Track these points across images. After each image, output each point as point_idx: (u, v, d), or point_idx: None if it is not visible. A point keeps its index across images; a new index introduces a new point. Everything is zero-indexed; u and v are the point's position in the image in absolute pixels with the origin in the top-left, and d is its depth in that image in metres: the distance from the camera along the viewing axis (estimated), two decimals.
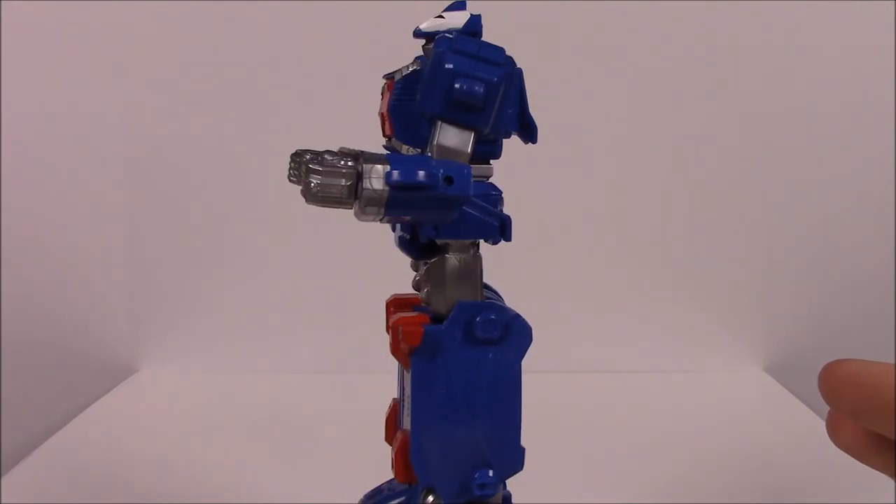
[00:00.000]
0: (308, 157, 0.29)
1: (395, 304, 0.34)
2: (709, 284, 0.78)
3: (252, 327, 0.78)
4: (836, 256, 0.78)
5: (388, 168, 0.28)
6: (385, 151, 0.30)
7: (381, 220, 0.30)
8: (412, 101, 0.32)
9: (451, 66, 0.31)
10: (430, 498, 0.33)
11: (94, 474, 0.56)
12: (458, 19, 0.33)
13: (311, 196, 0.28)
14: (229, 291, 0.78)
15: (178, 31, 0.74)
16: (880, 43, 0.74)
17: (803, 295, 0.78)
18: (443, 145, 0.31)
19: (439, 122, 0.31)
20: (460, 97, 0.31)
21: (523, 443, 0.33)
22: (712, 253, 0.78)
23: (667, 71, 0.75)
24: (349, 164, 0.28)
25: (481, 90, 0.30)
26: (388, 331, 0.33)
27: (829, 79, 0.75)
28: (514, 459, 0.33)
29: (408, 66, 0.32)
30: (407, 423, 0.33)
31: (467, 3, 0.34)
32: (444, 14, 0.34)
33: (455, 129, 0.31)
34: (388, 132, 0.33)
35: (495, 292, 0.35)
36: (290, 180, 0.32)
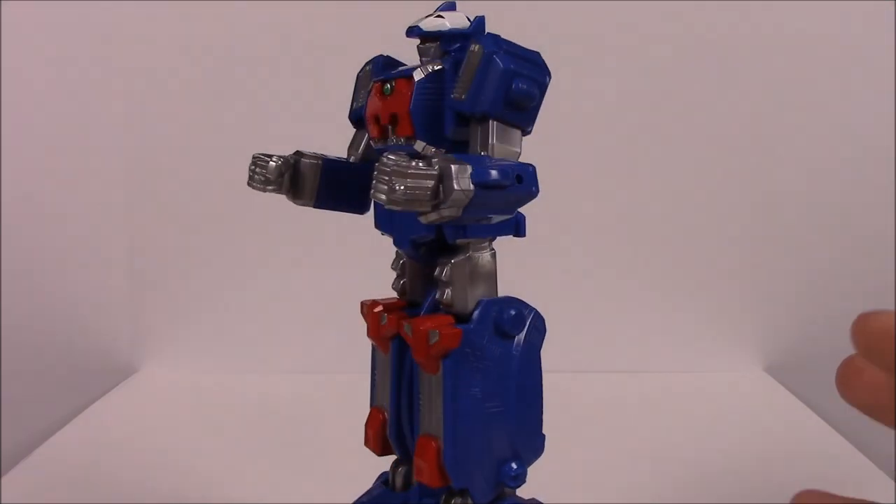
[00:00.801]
0: (391, 162, 0.29)
1: (388, 309, 0.35)
2: (709, 285, 0.78)
3: (252, 327, 0.78)
4: (837, 256, 0.78)
5: (471, 169, 0.28)
6: (401, 152, 0.31)
7: (444, 221, 0.30)
8: (436, 100, 0.32)
9: (511, 66, 0.31)
10: (458, 500, 0.33)
11: (94, 474, 0.56)
12: (458, 20, 0.34)
13: (397, 200, 0.28)
14: (229, 291, 0.78)
15: (177, 31, 0.74)
16: (880, 43, 0.74)
17: (803, 295, 0.78)
18: (499, 145, 0.31)
19: (492, 122, 0.31)
20: (517, 97, 0.31)
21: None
22: (713, 253, 0.78)
23: (670, 71, 0.75)
24: (430, 167, 0.28)
25: (536, 91, 0.32)
26: (374, 336, 0.35)
27: (829, 78, 0.75)
28: (537, 447, 0.35)
29: (428, 66, 0.32)
30: (435, 427, 0.32)
31: (468, 3, 0.34)
32: (443, 14, 0.34)
33: (506, 128, 0.32)
34: (404, 132, 0.32)
35: None
36: (254, 186, 0.37)
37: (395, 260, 0.36)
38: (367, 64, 0.36)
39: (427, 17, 0.34)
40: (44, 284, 0.76)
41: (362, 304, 0.36)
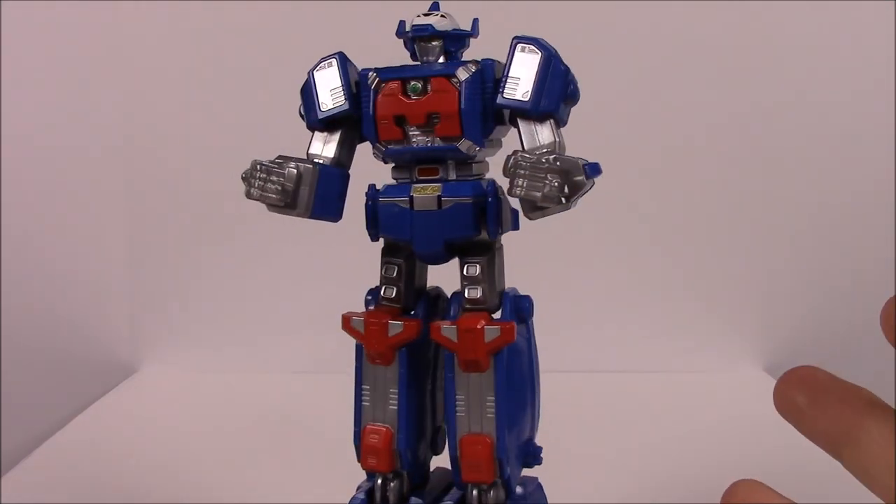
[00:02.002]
0: (544, 160, 0.30)
1: (394, 316, 0.35)
2: (709, 284, 0.78)
3: (252, 327, 0.78)
4: (837, 256, 0.78)
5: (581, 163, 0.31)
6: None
7: (548, 215, 0.32)
8: (480, 99, 0.33)
9: (565, 68, 0.33)
10: (490, 491, 0.34)
11: (94, 474, 0.56)
12: (453, 20, 0.34)
13: (552, 197, 0.30)
14: (229, 291, 0.78)
15: (177, 31, 0.74)
16: (880, 44, 0.74)
17: (803, 295, 0.78)
18: (561, 142, 0.33)
19: (552, 120, 0.33)
20: (571, 96, 0.33)
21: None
22: (712, 253, 0.78)
23: (670, 70, 0.75)
24: (572, 160, 0.30)
25: (578, 91, 0.34)
26: (377, 349, 0.34)
27: (829, 78, 0.75)
28: (538, 420, 0.37)
29: (469, 67, 0.33)
30: (485, 425, 0.33)
31: (466, 2, 0.35)
32: (446, 14, 0.34)
33: (559, 125, 0.33)
34: (449, 131, 0.33)
35: None
36: (266, 199, 0.35)
37: (388, 267, 0.35)
38: (323, 61, 0.35)
39: (426, 15, 0.34)
40: (44, 284, 0.76)
41: (349, 317, 0.35)
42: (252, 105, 0.75)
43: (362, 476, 0.38)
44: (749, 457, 0.59)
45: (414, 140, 0.33)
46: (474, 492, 0.34)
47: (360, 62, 0.36)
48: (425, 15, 0.34)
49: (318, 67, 0.35)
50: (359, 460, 0.35)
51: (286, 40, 0.74)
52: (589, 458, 0.58)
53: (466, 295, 0.34)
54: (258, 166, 0.34)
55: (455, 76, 0.33)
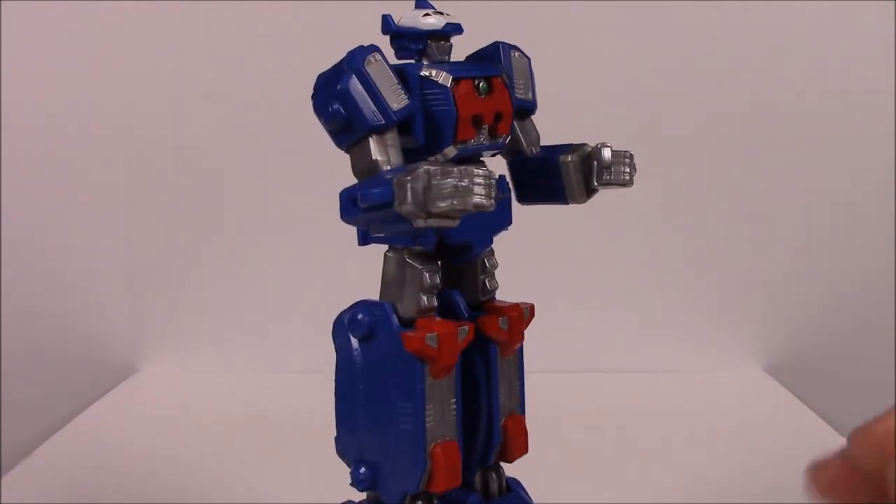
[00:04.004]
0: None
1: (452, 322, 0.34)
2: (709, 284, 0.78)
3: (252, 327, 0.78)
4: (837, 256, 0.77)
5: None
6: None
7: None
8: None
9: None
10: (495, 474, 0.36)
11: (94, 474, 0.56)
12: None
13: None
14: (229, 291, 0.78)
15: (177, 31, 0.74)
16: (880, 44, 0.74)
17: (803, 295, 0.78)
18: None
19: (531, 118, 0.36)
20: None
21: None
22: (713, 253, 0.78)
23: (670, 70, 0.75)
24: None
25: None
26: (450, 361, 0.32)
27: (829, 77, 0.75)
28: None
29: (499, 66, 0.34)
30: (516, 404, 0.36)
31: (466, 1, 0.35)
32: (446, 13, 0.34)
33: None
34: (505, 131, 0.34)
35: None
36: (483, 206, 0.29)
37: (430, 275, 0.32)
38: (368, 54, 0.32)
39: (437, 14, 0.33)
40: (43, 284, 0.76)
41: (422, 336, 0.31)
42: (252, 105, 0.75)
43: None
44: (749, 456, 0.59)
45: (483, 139, 0.33)
46: (493, 474, 0.36)
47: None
48: (436, 14, 0.33)
49: (365, 62, 0.31)
50: (419, 488, 0.32)
51: (286, 40, 0.74)
52: (588, 459, 0.58)
53: (488, 286, 0.35)
54: (484, 176, 0.28)
55: (504, 76, 0.34)
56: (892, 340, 0.76)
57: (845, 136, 0.76)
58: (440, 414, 0.32)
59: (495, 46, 0.35)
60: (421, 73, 0.32)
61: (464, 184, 0.28)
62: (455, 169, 0.28)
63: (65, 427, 0.65)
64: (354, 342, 0.33)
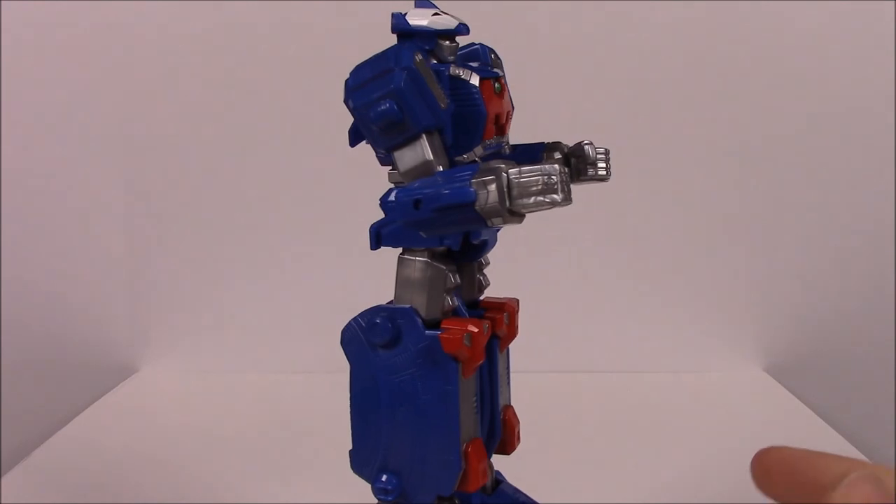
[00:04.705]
0: None
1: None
2: (709, 284, 0.78)
3: (252, 327, 0.78)
4: (837, 256, 0.78)
5: None
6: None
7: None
8: None
9: None
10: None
11: (94, 474, 0.56)
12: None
13: None
14: (229, 291, 0.78)
15: (177, 30, 0.74)
16: (879, 44, 0.74)
17: (803, 295, 0.78)
18: None
19: None
20: None
21: (524, 442, 0.37)
22: (713, 253, 0.78)
23: (668, 71, 0.75)
24: None
25: None
26: (480, 358, 0.32)
27: (828, 77, 0.75)
28: None
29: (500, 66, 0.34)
30: (509, 396, 0.37)
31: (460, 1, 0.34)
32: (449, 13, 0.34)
33: None
34: (508, 130, 0.34)
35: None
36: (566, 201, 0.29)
37: (453, 275, 0.32)
38: (413, 53, 0.31)
39: (446, 15, 0.33)
40: (44, 284, 0.76)
41: (459, 337, 0.31)
42: (253, 107, 0.75)
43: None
44: (748, 456, 0.59)
45: (497, 140, 0.33)
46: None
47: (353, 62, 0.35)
48: (444, 13, 0.33)
49: (414, 61, 0.30)
50: (454, 490, 0.32)
51: (286, 40, 0.74)
52: (588, 458, 0.58)
53: (483, 283, 0.36)
54: (561, 173, 0.28)
55: (503, 77, 0.34)
56: (892, 340, 0.76)
57: (846, 136, 0.76)
58: (467, 413, 0.32)
59: (482, 48, 0.34)
60: (450, 73, 0.32)
61: (552, 180, 0.28)
62: (537, 167, 0.28)
63: (65, 427, 0.65)
64: (372, 349, 0.32)
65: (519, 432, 0.36)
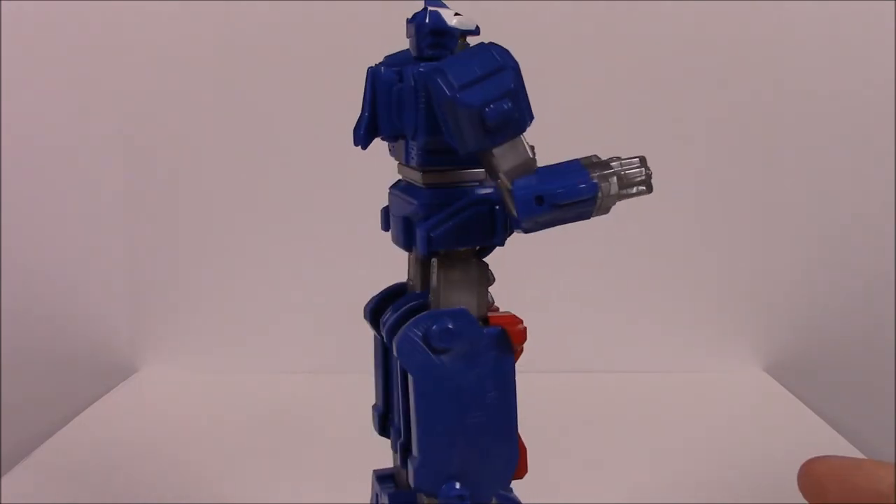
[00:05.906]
0: None
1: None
2: (709, 284, 0.78)
3: (252, 327, 0.78)
4: (837, 257, 0.78)
5: None
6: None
7: None
8: None
9: None
10: None
11: (94, 474, 0.56)
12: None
13: None
14: (230, 291, 0.78)
15: (177, 30, 0.74)
16: (879, 44, 0.74)
17: (803, 295, 0.78)
18: None
19: None
20: None
21: (523, 442, 0.35)
22: (713, 253, 0.78)
23: (668, 71, 0.75)
24: None
25: None
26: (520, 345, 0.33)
27: (828, 77, 0.75)
28: None
29: None
30: None
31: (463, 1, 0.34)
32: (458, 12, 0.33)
33: None
34: None
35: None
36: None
37: (489, 270, 0.34)
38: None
39: (456, 14, 0.33)
40: (44, 284, 0.76)
41: (523, 330, 0.32)
42: (252, 106, 0.75)
43: (361, 476, 0.37)
44: (749, 456, 0.59)
45: None
46: None
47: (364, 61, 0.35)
48: (455, 14, 0.33)
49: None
50: (513, 477, 0.33)
51: (286, 40, 0.74)
52: (588, 458, 0.58)
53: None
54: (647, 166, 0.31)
55: None
56: (892, 341, 0.76)
57: (846, 136, 0.76)
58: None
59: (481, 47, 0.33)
60: None
61: (650, 172, 0.30)
62: (635, 159, 0.30)
63: (65, 427, 0.65)
64: (436, 356, 0.31)
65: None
